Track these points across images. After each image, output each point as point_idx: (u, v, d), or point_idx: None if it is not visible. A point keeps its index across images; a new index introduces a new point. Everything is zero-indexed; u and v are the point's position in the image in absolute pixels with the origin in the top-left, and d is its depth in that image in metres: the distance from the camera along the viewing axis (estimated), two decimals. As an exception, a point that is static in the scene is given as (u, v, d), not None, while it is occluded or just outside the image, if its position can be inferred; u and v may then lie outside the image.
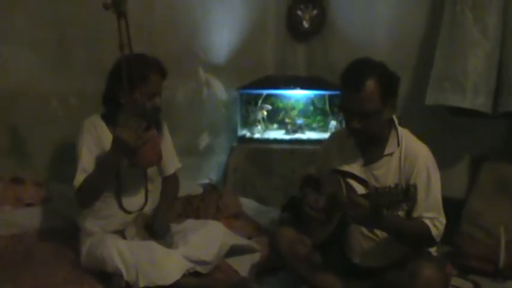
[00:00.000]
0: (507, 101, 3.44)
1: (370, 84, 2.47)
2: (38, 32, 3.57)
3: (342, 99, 2.60)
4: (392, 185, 2.33)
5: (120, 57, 2.60)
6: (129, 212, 2.88)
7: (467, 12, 3.45)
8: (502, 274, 3.23)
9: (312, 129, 4.34)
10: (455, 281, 3.12)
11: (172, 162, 3.13)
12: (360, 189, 2.59)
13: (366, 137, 2.60)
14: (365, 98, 2.47)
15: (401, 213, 2.52)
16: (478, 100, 3.46)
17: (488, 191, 3.54)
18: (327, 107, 4.32)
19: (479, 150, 3.81)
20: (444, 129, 3.84)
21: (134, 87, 2.65)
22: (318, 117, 4.37)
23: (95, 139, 2.80)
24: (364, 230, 2.63)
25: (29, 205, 3.35)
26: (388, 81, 2.53)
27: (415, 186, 2.25)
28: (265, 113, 4.28)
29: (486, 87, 3.47)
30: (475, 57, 3.45)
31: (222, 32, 4.20)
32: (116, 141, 2.61)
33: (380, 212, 2.36)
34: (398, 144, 2.61)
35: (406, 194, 2.23)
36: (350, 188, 2.60)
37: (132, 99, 2.66)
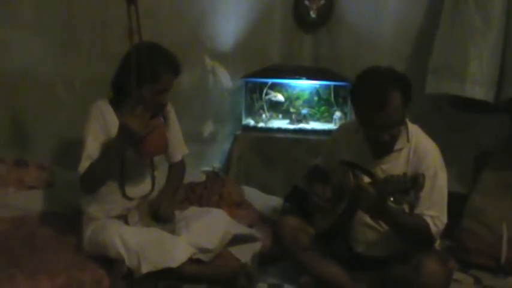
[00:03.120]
0: (509, 90, 3.43)
1: (395, 97, 2.44)
2: (44, 16, 3.56)
3: (364, 115, 2.53)
4: (400, 174, 2.32)
5: (132, 46, 2.55)
6: (131, 199, 2.88)
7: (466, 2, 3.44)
8: (503, 270, 3.23)
9: (317, 119, 4.33)
10: (456, 275, 3.12)
11: (179, 149, 3.11)
12: (368, 181, 2.59)
13: (391, 146, 2.59)
14: (392, 112, 2.45)
15: (406, 207, 2.52)
16: (478, 89, 3.44)
17: (491, 187, 3.53)
18: (332, 97, 4.31)
19: (483, 146, 3.80)
20: (448, 124, 3.84)
21: (144, 82, 2.62)
22: (323, 108, 4.35)
23: (102, 125, 2.77)
24: (368, 219, 2.63)
25: (31, 188, 3.35)
26: (406, 87, 2.50)
27: (423, 175, 2.24)
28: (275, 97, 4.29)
29: (488, 76, 3.45)
30: (475, 45, 3.43)
31: (229, 20, 4.18)
32: (122, 129, 2.58)
33: (385, 200, 2.35)
34: (408, 140, 2.62)
35: (415, 182, 2.23)
36: (358, 178, 2.59)
37: (139, 94, 2.63)
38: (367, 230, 2.68)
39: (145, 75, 2.60)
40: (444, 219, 2.55)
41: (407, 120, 2.63)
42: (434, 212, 2.53)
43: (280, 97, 4.29)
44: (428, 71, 3.63)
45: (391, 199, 2.34)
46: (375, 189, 2.33)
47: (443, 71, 3.52)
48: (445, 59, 3.53)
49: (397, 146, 2.62)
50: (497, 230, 3.32)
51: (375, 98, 2.44)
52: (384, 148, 2.61)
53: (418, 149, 2.60)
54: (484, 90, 3.46)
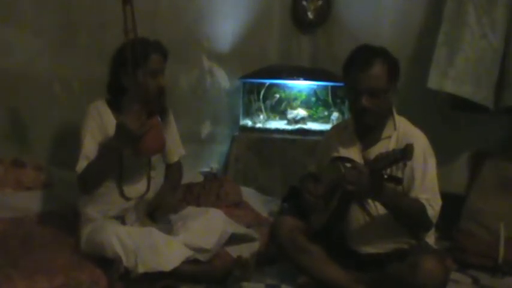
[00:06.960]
0: (509, 96, 3.45)
1: (379, 63, 2.57)
2: (42, 16, 3.56)
3: (349, 81, 2.65)
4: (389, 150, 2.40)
5: (122, 43, 2.61)
6: (129, 199, 2.88)
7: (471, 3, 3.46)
8: (500, 270, 3.23)
9: (314, 120, 4.34)
10: (454, 275, 3.12)
11: (176, 150, 3.12)
12: None
13: (372, 118, 2.63)
14: (374, 76, 2.56)
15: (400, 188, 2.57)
16: (480, 93, 3.47)
17: (488, 187, 3.54)
18: (330, 98, 4.31)
19: (479, 146, 3.81)
20: (445, 124, 3.85)
21: (137, 67, 2.64)
22: (320, 109, 4.36)
23: (99, 125, 2.79)
24: (365, 215, 2.66)
25: (29, 188, 3.35)
26: (393, 62, 2.63)
27: (412, 145, 2.29)
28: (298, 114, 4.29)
29: (489, 81, 3.47)
30: (479, 48, 3.46)
31: (227, 20, 4.20)
32: (118, 128, 2.59)
33: (379, 178, 2.39)
34: (395, 128, 2.67)
35: (404, 152, 2.29)
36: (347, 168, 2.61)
37: (136, 81, 2.65)
38: (363, 226, 2.68)
39: (138, 60, 2.62)
40: (439, 201, 2.58)
41: (394, 110, 2.70)
42: (428, 195, 2.56)
43: (301, 112, 4.29)
44: (432, 65, 3.63)
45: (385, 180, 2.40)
46: (367, 169, 2.40)
47: (448, 69, 3.53)
48: (449, 58, 3.54)
49: (385, 134, 2.68)
50: (495, 230, 3.32)
51: (359, 60, 2.61)
52: (364, 119, 2.64)
53: (406, 136, 2.64)
54: (483, 95, 3.48)
